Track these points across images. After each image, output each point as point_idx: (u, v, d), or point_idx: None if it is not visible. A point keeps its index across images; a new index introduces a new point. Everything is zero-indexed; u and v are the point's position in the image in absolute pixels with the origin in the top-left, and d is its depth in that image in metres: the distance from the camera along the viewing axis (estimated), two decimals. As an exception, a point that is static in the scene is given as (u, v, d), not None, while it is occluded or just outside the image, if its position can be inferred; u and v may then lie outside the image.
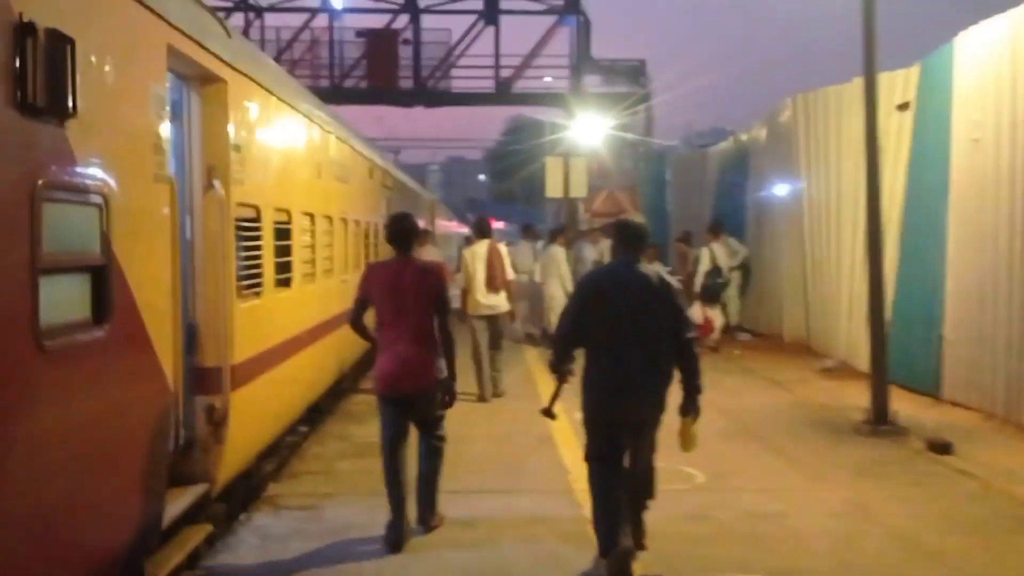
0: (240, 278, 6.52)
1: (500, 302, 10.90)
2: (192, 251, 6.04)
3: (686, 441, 5.49)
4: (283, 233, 7.84)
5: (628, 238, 5.44)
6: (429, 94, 30.08)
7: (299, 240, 8.26)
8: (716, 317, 14.40)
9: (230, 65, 6.19)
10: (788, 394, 11.29)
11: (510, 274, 11.15)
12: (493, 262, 10.74)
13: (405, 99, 30.39)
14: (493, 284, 10.72)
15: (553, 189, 15.39)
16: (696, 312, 14.21)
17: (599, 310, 5.26)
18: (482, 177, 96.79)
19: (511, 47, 31.47)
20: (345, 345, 10.67)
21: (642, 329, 5.19)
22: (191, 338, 6.07)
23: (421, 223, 13.65)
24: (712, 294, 14.20)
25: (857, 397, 10.46)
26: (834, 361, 12.77)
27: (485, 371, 10.71)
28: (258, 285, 6.94)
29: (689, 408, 5.43)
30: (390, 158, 51.25)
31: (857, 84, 12.65)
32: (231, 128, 6.18)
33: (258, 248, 6.94)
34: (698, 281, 14.18)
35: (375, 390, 6.16)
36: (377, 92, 29.96)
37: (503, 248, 11.36)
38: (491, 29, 29.68)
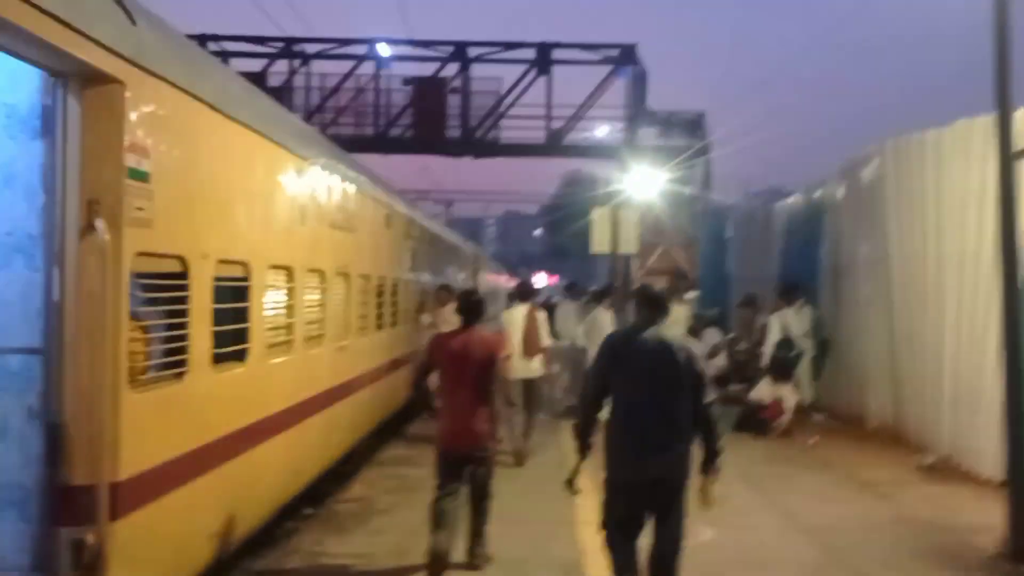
0: (142, 356, 4.65)
1: (535, 367, 10.71)
2: (61, 320, 4.20)
3: (705, 499, 5.41)
4: (234, 293, 5.98)
5: (645, 303, 5.56)
6: (478, 144, 28.51)
7: (264, 301, 6.40)
8: (788, 396, 12.16)
9: (131, 61, 4.38)
10: (885, 504, 8.97)
11: (546, 341, 10.93)
12: (530, 327, 10.55)
13: (453, 149, 28.86)
14: (529, 350, 10.52)
15: (600, 243, 13.46)
16: (764, 390, 12.02)
17: (617, 372, 5.31)
18: (538, 232, 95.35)
19: (563, 97, 29.84)
20: (339, 426, 8.74)
21: (658, 391, 5.20)
22: (54, 444, 4.20)
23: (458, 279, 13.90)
24: (784, 369, 11.98)
25: (977, 511, 8.17)
26: (935, 456, 10.42)
27: (515, 430, 10.07)
28: (179, 365, 5.06)
29: (708, 468, 5.39)
30: (435, 210, 49.77)
31: (962, 128, 10.54)
32: (129, 147, 4.37)
33: (181, 314, 5.07)
34: (767, 353, 11.99)
35: (436, 448, 6.61)
36: (424, 141, 28.49)
37: (541, 315, 11.01)
38: (543, 79, 28.18)
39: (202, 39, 28.19)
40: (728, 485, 8.77)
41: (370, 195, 10.02)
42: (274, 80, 28.43)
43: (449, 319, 12.80)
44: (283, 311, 6.97)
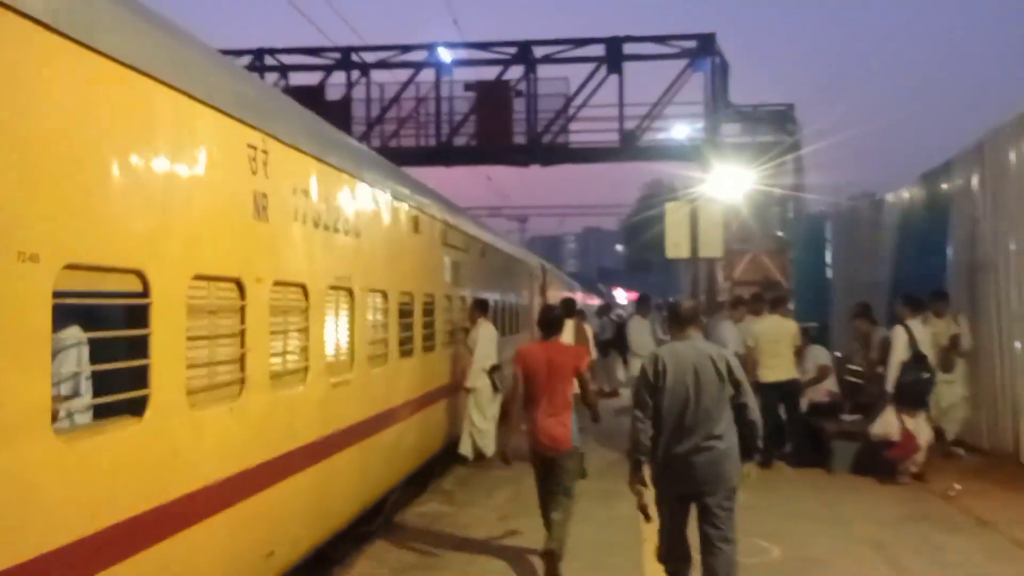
0: None
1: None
2: None
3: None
4: (106, 317, 3.99)
5: (675, 318, 5.78)
6: (545, 151, 26.36)
7: (172, 328, 4.37)
8: (922, 429, 9.58)
9: None
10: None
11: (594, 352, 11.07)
12: (578, 341, 10.64)
13: (519, 157, 26.81)
14: None
15: (676, 247, 11.04)
16: (890, 421, 9.48)
17: (661, 387, 5.41)
18: (619, 247, 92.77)
19: (637, 96, 27.62)
20: (330, 491, 6.67)
21: (699, 402, 5.34)
22: None
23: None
24: (914, 395, 9.37)
25: None
26: None
27: None
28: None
29: (746, 455, 5.52)
30: (508, 227, 47.63)
31: None
32: None
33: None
34: (892, 375, 9.47)
35: (528, 450, 6.94)
36: (488, 150, 26.55)
37: (588, 327, 11.00)
38: (614, 77, 25.95)
39: (259, 53, 26.98)
40: (853, 553, 7.30)
41: (384, 190, 7.97)
42: (332, 93, 27.01)
43: (482, 337, 10.73)
44: (204, 344, 4.87)
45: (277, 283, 5.63)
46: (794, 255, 21.88)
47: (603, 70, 25.71)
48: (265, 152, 5.47)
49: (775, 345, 10.38)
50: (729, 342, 11.00)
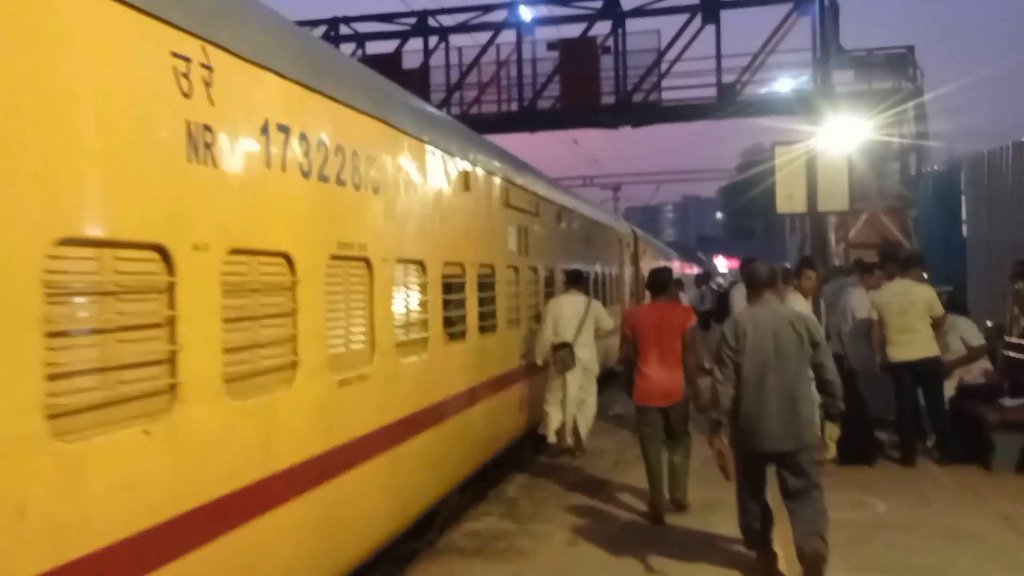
0: None
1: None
2: None
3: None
4: None
5: (752, 283, 5.77)
6: (636, 110, 24.27)
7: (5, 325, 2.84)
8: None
9: None
10: None
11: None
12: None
13: (608, 118, 24.78)
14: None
15: (788, 201, 8.90)
16: None
17: (741, 349, 5.45)
18: (719, 215, 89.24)
19: (736, 47, 25.17)
20: (342, 520, 5.09)
21: (779, 364, 5.39)
22: None
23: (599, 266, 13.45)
24: None
25: None
26: None
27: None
28: None
29: (828, 416, 5.78)
30: (602, 196, 45.33)
31: None
32: None
33: None
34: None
35: (636, 403, 7.23)
36: (574, 113, 24.62)
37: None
38: (710, 28, 23.59)
39: (333, 22, 25.73)
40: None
41: (413, 132, 6.27)
42: (409, 61, 25.52)
43: (551, 311, 9.23)
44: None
45: (235, 251, 4.04)
46: (920, 213, 19.30)
47: (698, 20, 23.36)
48: (208, 68, 3.87)
49: (903, 317, 8.31)
50: (859, 309, 8.99)
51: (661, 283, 7.43)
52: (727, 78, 23.43)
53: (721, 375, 5.46)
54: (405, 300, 6.11)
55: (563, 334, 9.08)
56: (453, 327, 7.06)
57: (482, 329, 7.90)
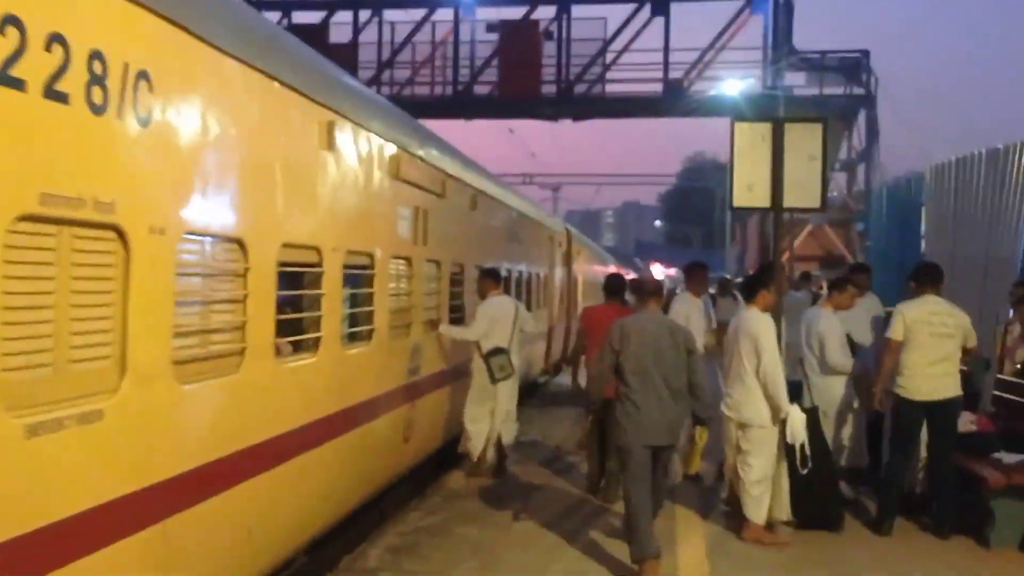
0: None
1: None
2: None
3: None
4: None
5: (640, 293, 6.36)
6: (578, 103, 22.49)
7: None
8: None
9: None
10: None
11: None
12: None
13: (548, 110, 22.90)
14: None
15: (747, 191, 6.83)
16: None
17: (622, 351, 5.69)
18: (659, 223, 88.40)
19: (685, 42, 23.54)
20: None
21: (658, 368, 5.64)
22: None
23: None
24: None
25: None
26: None
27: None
28: None
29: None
30: (541, 196, 43.21)
31: None
32: None
33: None
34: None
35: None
36: (513, 101, 22.65)
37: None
38: (659, 20, 21.87)
39: (256, -12, 23.37)
40: None
41: (237, 49, 4.17)
42: (338, 35, 23.25)
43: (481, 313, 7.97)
44: None
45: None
46: (873, 227, 17.82)
47: (646, 10, 21.65)
48: None
49: (941, 344, 6.42)
50: (830, 336, 7.17)
51: (615, 287, 7.99)
52: (675, 75, 21.82)
53: (600, 367, 5.83)
54: (201, 295, 4.06)
55: (498, 339, 7.88)
56: (295, 335, 5.01)
57: (351, 338, 5.88)
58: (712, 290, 13.15)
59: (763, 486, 6.28)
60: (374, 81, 21.92)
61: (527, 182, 39.71)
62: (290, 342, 5.00)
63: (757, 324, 6.27)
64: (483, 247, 9.76)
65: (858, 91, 20.71)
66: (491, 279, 8.26)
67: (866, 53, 21.03)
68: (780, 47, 21.10)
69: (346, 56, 21.22)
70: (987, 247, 11.93)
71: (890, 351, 6.42)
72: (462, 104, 22.87)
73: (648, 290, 6.14)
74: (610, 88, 22.07)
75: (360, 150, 5.88)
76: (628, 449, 5.60)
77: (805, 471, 6.22)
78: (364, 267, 6.08)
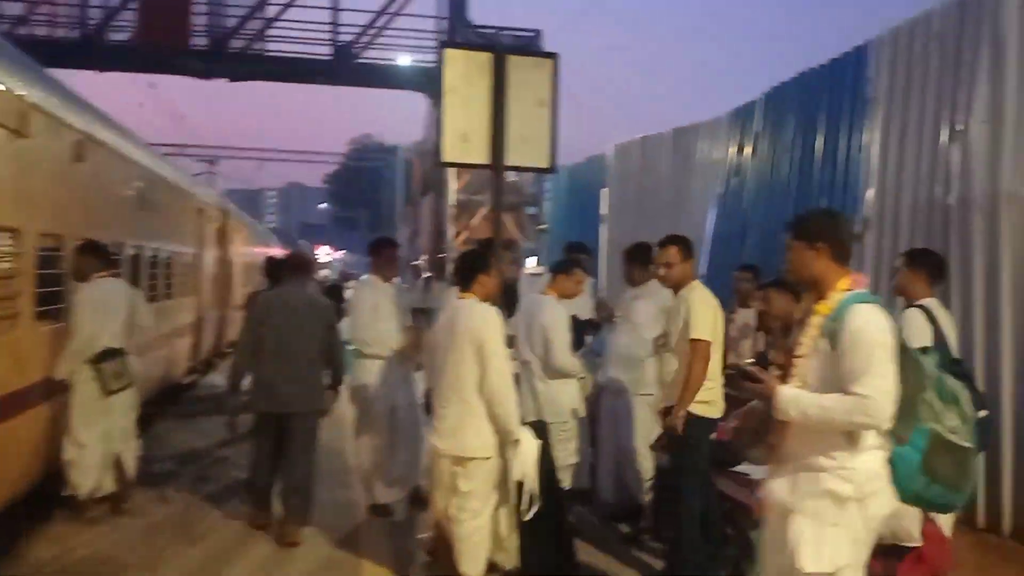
0: None
1: None
2: None
3: None
4: None
5: (288, 267, 6.31)
6: (235, 60, 19.57)
7: None
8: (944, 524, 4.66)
9: None
10: None
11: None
12: None
13: (199, 66, 19.62)
14: None
15: (460, 142, 5.16)
16: (911, 523, 4.47)
17: (265, 322, 5.82)
18: (324, 205, 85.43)
19: (357, 4, 21.57)
20: None
21: (296, 338, 5.77)
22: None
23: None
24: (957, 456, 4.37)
25: None
26: None
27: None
28: None
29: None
30: (197, 169, 38.76)
31: None
32: None
33: None
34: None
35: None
36: (156, 53, 19.12)
37: None
38: (328, -21, 19.71)
39: None
40: None
41: None
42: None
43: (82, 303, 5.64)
44: None
45: None
46: (555, 211, 17.23)
47: (314, -34, 19.41)
48: None
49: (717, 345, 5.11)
50: (555, 328, 5.72)
51: (274, 270, 7.57)
52: (345, 38, 19.82)
53: (242, 345, 5.92)
54: None
55: (109, 338, 5.98)
56: None
57: None
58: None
59: (484, 532, 4.64)
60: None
61: (181, 153, 35.24)
62: None
63: (479, 320, 4.55)
64: (95, 215, 7.08)
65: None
66: (94, 256, 5.90)
67: (538, 33, 20.57)
68: (455, 18, 19.99)
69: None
70: (674, 228, 11.39)
71: (697, 354, 5.00)
72: (93, 52, 18.91)
73: (293, 266, 6.23)
74: (273, 47, 19.47)
75: None
76: (260, 418, 5.87)
77: (531, 515, 4.65)
78: None
